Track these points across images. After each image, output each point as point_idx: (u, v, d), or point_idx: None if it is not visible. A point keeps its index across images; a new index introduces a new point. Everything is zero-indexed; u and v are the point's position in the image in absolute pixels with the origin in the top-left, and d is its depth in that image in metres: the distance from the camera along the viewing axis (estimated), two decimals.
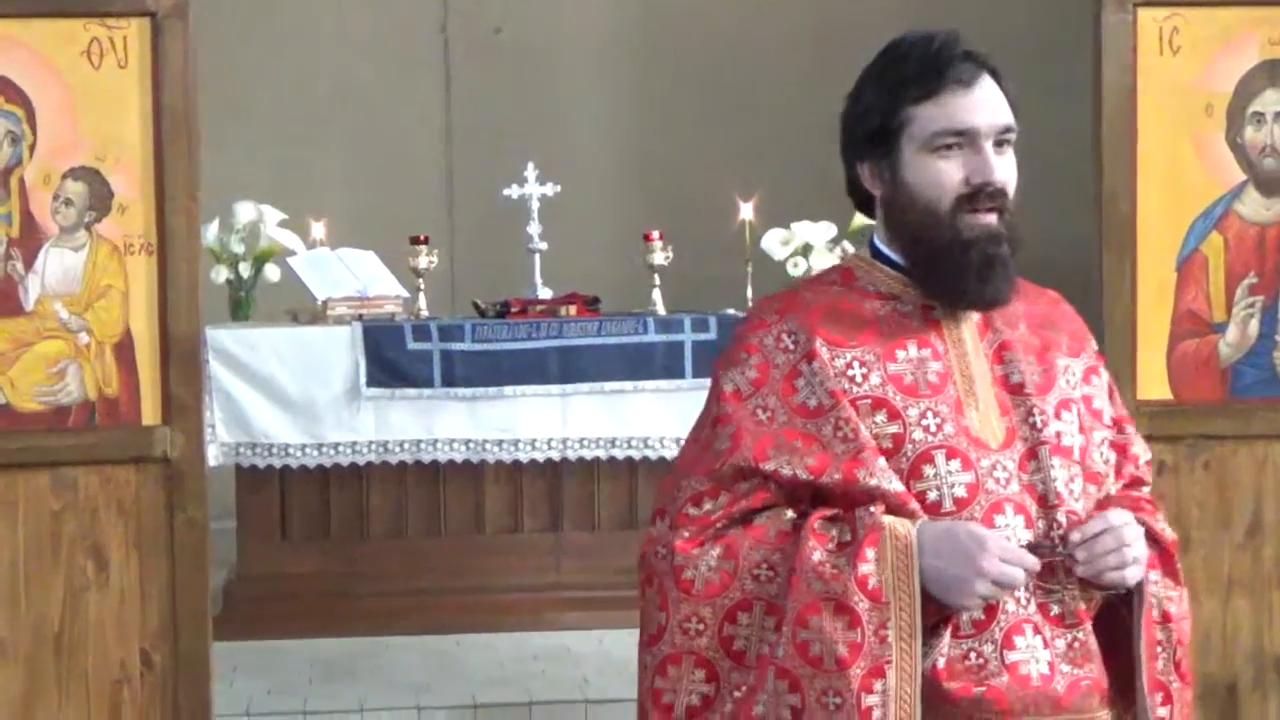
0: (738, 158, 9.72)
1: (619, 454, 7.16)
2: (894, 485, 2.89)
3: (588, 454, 7.16)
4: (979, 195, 2.94)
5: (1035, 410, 2.97)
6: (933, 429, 2.93)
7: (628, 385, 7.11)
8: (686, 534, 2.95)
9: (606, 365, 7.13)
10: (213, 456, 6.80)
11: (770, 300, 3.13)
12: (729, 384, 3.02)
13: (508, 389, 7.09)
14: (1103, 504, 3.01)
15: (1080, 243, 4.81)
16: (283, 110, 10.08)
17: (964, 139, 2.95)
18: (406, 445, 7.11)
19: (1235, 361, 4.63)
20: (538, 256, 7.78)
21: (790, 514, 2.93)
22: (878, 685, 2.82)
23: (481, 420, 7.12)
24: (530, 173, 7.93)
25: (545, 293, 7.64)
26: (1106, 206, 4.58)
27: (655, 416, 7.11)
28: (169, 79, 4.50)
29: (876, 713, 2.82)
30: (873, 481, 2.89)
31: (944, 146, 2.95)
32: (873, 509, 2.88)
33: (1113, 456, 3.09)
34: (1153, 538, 3.03)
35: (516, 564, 7.27)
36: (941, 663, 2.87)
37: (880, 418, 2.93)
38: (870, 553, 2.84)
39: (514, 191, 7.95)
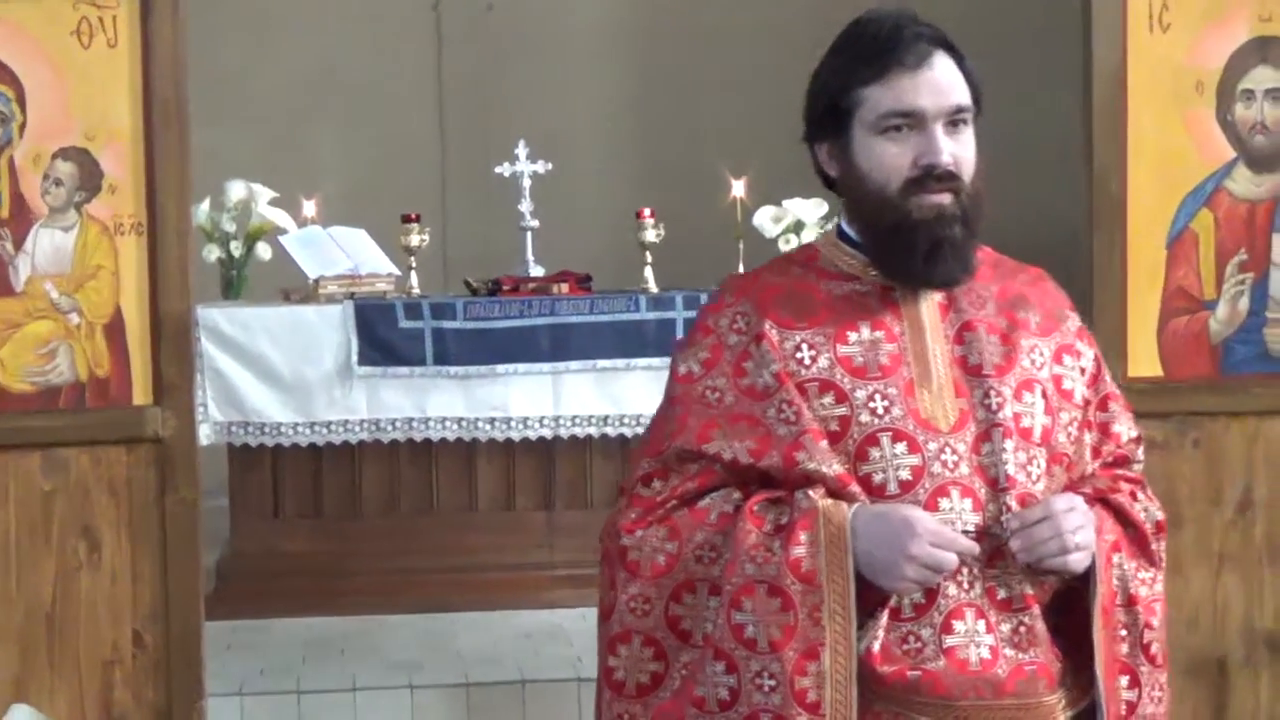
0: (729, 135, 9.71)
1: (611, 432, 7.16)
2: (834, 468, 2.89)
3: (580, 432, 7.17)
4: (927, 177, 2.92)
5: (992, 392, 2.95)
6: (880, 411, 2.92)
7: (620, 363, 7.12)
8: (634, 515, 2.98)
9: (599, 343, 7.13)
10: (205, 435, 6.81)
11: (731, 281, 3.15)
12: (683, 365, 3.04)
13: (500, 367, 7.10)
14: (1074, 485, 3.00)
15: (1071, 221, 4.81)
16: (274, 88, 10.07)
17: (912, 120, 2.93)
18: (399, 424, 7.11)
19: (1226, 338, 4.63)
20: (530, 234, 7.78)
21: (737, 495, 2.94)
22: (811, 667, 2.83)
23: (474, 398, 7.12)
24: (522, 150, 7.92)
25: (537, 270, 7.64)
26: (1097, 185, 4.58)
27: (647, 394, 7.09)
28: (159, 58, 4.49)
29: (810, 695, 2.83)
30: (812, 465, 2.89)
31: (892, 128, 2.94)
32: (810, 492, 2.88)
33: (1089, 437, 3.07)
34: (1126, 519, 3.03)
35: (509, 542, 7.27)
36: (877, 646, 2.87)
37: (828, 400, 2.93)
38: (803, 536, 2.85)
39: (506, 169, 7.94)
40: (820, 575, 2.84)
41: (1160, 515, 3.11)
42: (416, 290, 7.44)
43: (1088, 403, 3.09)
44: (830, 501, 2.88)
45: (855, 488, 2.89)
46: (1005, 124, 10.06)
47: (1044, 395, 3.00)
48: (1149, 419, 4.56)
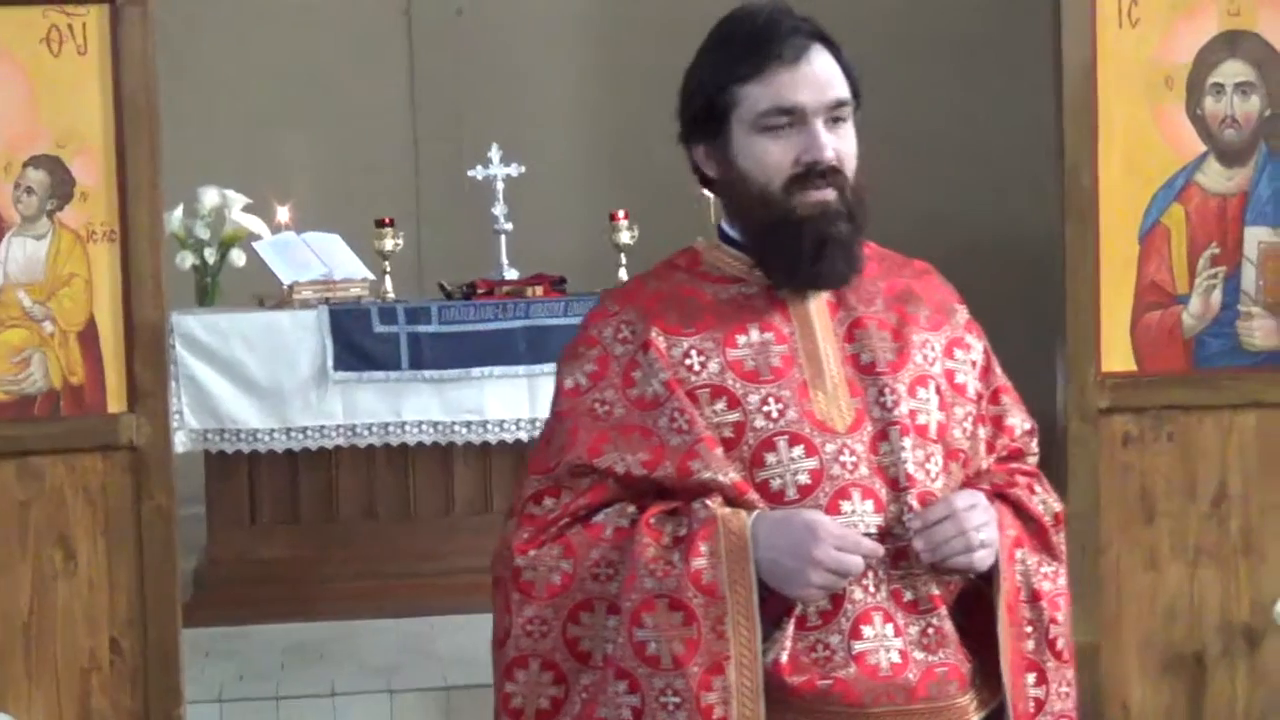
0: None
1: None
2: (730, 476, 2.81)
3: None
4: (810, 174, 2.85)
5: (886, 390, 2.89)
6: (774, 415, 2.84)
7: None
8: (526, 534, 2.87)
9: None
10: (180, 443, 6.80)
11: (612, 291, 3.09)
12: (569, 379, 2.94)
13: (475, 370, 7.09)
14: (971, 482, 2.95)
15: (1045, 216, 4.82)
16: (246, 94, 10.06)
17: (792, 117, 2.86)
18: (375, 428, 7.10)
19: (1198, 332, 4.64)
20: (503, 237, 7.77)
21: (632, 509, 2.85)
22: (717, 682, 2.76)
23: (450, 402, 7.12)
24: (495, 154, 7.91)
25: (511, 273, 7.63)
26: (1068, 180, 4.59)
27: None
28: (129, 65, 4.49)
29: (717, 710, 2.75)
30: (707, 474, 2.81)
31: (772, 126, 2.87)
32: (708, 502, 2.80)
33: (983, 431, 3.01)
34: (1026, 513, 2.98)
35: (487, 545, 7.04)
36: (785, 656, 2.80)
37: (720, 406, 2.85)
38: (704, 547, 2.77)
39: (479, 173, 7.93)
40: (722, 586, 2.76)
41: (1059, 507, 3.06)
42: (391, 295, 7.43)
43: (980, 396, 3.03)
44: (729, 510, 2.80)
45: (753, 495, 2.82)
46: (977, 120, 10.09)
47: (938, 391, 2.94)
48: (1123, 413, 4.60)
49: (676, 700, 2.75)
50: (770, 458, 2.84)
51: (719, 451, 2.83)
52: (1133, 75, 4.59)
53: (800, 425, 2.84)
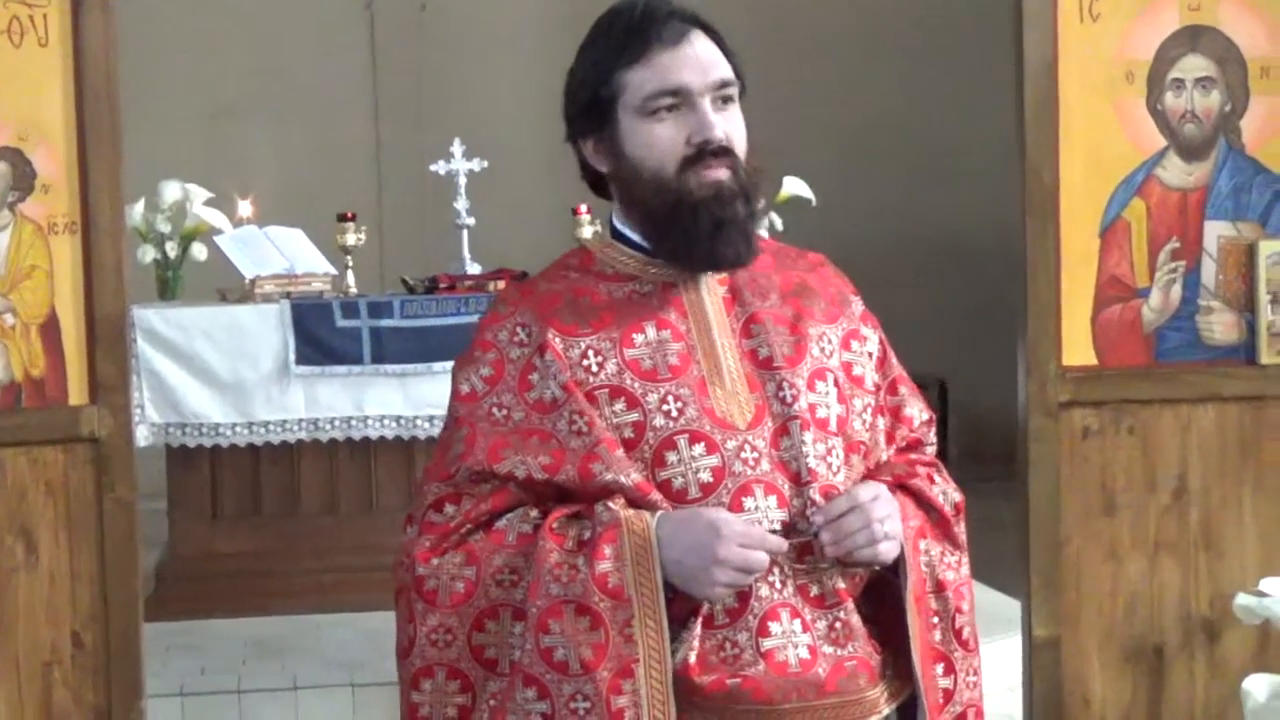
0: None
1: None
2: (632, 477, 2.79)
3: None
4: (703, 154, 2.83)
5: (785, 384, 2.87)
6: (674, 414, 2.82)
7: None
8: (428, 542, 2.84)
9: None
10: (142, 437, 6.79)
11: (507, 292, 3.06)
12: (465, 384, 2.91)
13: (437, 365, 7.10)
14: (871, 473, 2.95)
15: (1006, 210, 4.84)
16: (208, 88, 10.05)
17: (679, 98, 2.85)
18: (337, 422, 7.11)
19: (1159, 326, 4.65)
20: (466, 232, 7.78)
21: (535, 514, 2.83)
22: (626, 685, 2.73)
23: (412, 396, 7.13)
24: (457, 148, 7.92)
25: (474, 268, 7.65)
26: (1029, 175, 4.60)
27: None
28: (90, 57, 4.47)
29: (628, 714, 2.73)
30: (609, 475, 2.79)
31: (660, 109, 2.85)
32: (610, 504, 2.78)
33: (882, 422, 3.01)
34: (927, 503, 2.99)
35: None
36: (693, 657, 2.78)
37: (619, 406, 2.83)
38: (608, 550, 2.75)
39: (441, 167, 7.94)
40: (629, 589, 2.74)
41: (958, 497, 3.05)
42: (353, 289, 7.44)
43: (878, 388, 3.02)
44: (632, 512, 2.78)
45: (656, 495, 2.80)
46: (944, 114, 10.11)
47: (836, 384, 2.93)
48: (1083, 407, 4.61)
49: (586, 705, 2.73)
50: (671, 456, 2.82)
51: (620, 453, 2.81)
52: (1094, 70, 4.60)
53: (700, 423, 2.83)
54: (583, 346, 2.86)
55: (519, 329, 2.90)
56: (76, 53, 4.47)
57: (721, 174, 2.84)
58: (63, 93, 4.47)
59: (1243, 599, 4.47)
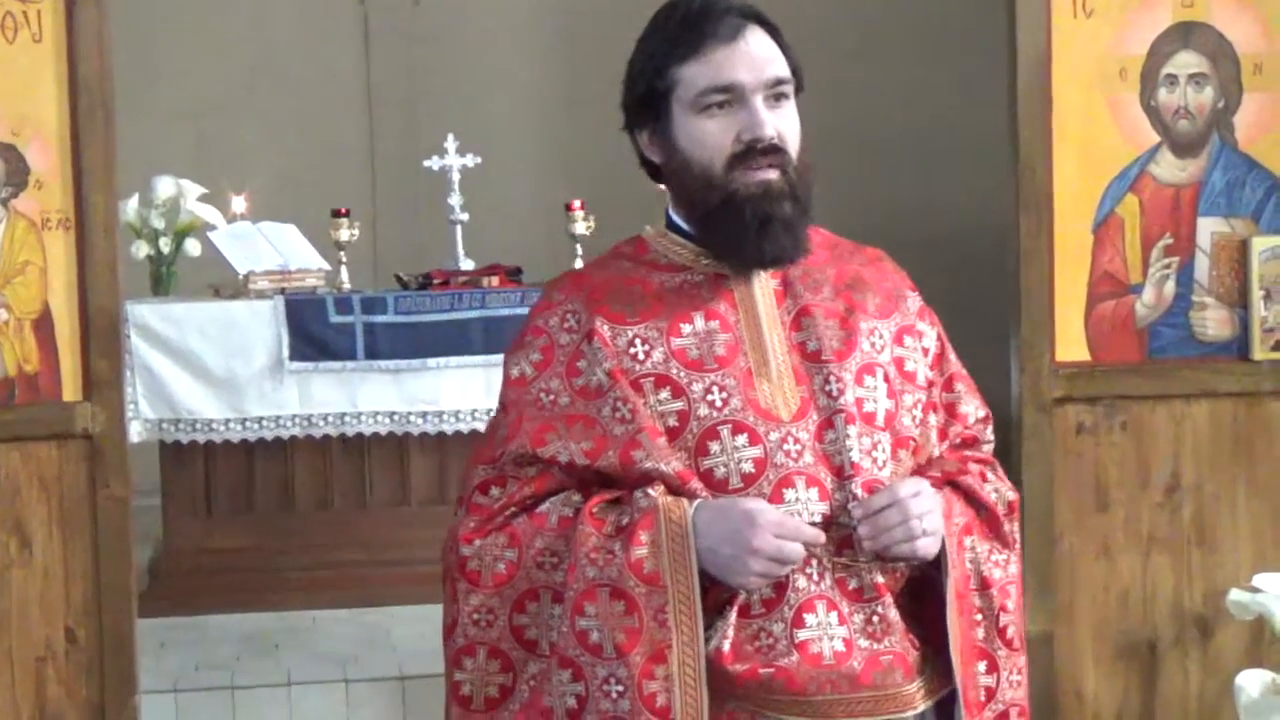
0: None
1: None
2: (672, 466, 2.81)
3: None
4: (752, 152, 2.85)
5: (832, 377, 2.87)
6: (718, 404, 2.84)
7: None
8: (472, 524, 2.87)
9: None
10: (136, 432, 6.79)
11: (559, 280, 3.06)
12: (515, 369, 2.94)
13: (431, 360, 7.10)
14: (922, 469, 2.95)
15: (1000, 206, 4.84)
16: (202, 84, 10.04)
17: (731, 95, 2.85)
18: (330, 418, 7.11)
19: (1152, 322, 4.66)
20: (459, 228, 7.78)
21: (577, 498, 2.85)
22: (659, 671, 2.75)
23: (405, 392, 7.13)
24: (451, 144, 7.92)
25: (467, 264, 7.64)
26: (1022, 170, 4.60)
27: None
28: (84, 53, 4.47)
29: (660, 699, 2.74)
30: (649, 463, 2.81)
31: (712, 105, 2.86)
32: (650, 491, 2.80)
33: (934, 418, 3.01)
34: (977, 501, 2.98)
35: (442, 535, 7.18)
36: (727, 645, 2.79)
37: (664, 395, 2.84)
38: (644, 536, 2.76)
39: (435, 163, 7.94)
40: (664, 575, 2.76)
41: (1012, 496, 3.05)
42: (347, 285, 7.43)
43: (931, 384, 3.02)
44: (670, 499, 2.79)
45: (696, 484, 2.81)
46: (935, 110, 10.11)
47: (886, 379, 2.93)
48: (1077, 402, 4.62)
49: (619, 689, 2.75)
50: (714, 446, 2.83)
51: (661, 441, 2.82)
52: (1087, 66, 4.61)
53: (744, 414, 2.84)
54: (630, 335, 2.88)
55: (569, 316, 2.92)
56: (70, 49, 4.47)
57: (770, 173, 2.85)
58: (56, 88, 4.48)
59: (1236, 594, 4.48)
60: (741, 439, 2.83)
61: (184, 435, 7.04)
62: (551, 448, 2.85)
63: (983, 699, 2.96)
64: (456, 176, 7.85)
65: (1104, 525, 4.66)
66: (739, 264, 2.91)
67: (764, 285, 2.94)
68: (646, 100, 2.93)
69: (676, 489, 2.81)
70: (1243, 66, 4.64)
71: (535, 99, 10.47)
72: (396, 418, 7.14)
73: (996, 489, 3.04)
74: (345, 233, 7.52)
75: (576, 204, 7.56)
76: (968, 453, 3.06)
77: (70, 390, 4.51)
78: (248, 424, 7.06)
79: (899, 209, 9.63)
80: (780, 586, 2.80)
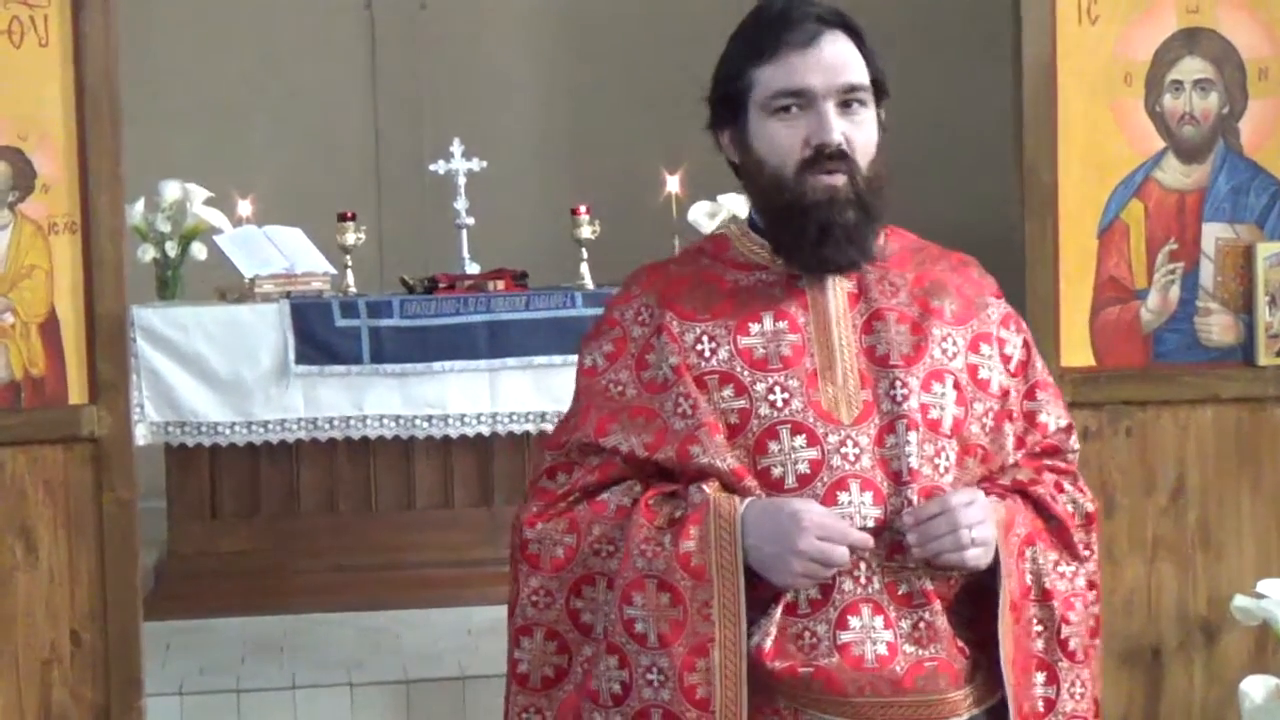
0: (663, 131, 9.68)
1: (549, 427, 7.16)
2: (727, 462, 2.85)
3: (518, 428, 7.18)
4: (820, 157, 2.88)
5: (898, 382, 2.89)
6: (779, 404, 2.87)
7: (556, 359, 7.12)
8: (535, 508, 2.95)
9: (535, 340, 7.14)
10: (142, 436, 6.79)
11: (638, 272, 3.10)
12: (588, 358, 3.01)
13: (437, 364, 7.10)
14: (991, 477, 2.95)
15: (1005, 211, 4.84)
16: (208, 88, 10.04)
17: (802, 100, 2.89)
18: (336, 422, 7.11)
19: (1157, 327, 4.66)
20: (465, 232, 7.79)
21: (638, 488, 2.90)
22: (700, 663, 2.79)
23: (411, 396, 7.13)
24: (456, 148, 7.92)
25: (473, 268, 7.64)
26: (1028, 175, 4.61)
27: None
28: (91, 57, 4.48)
29: (700, 691, 2.79)
30: (705, 459, 2.85)
31: (783, 108, 2.90)
32: (704, 486, 2.84)
33: (1009, 427, 3.00)
34: (1047, 512, 2.99)
35: (448, 539, 7.27)
36: (768, 643, 2.82)
37: (727, 392, 2.88)
38: (694, 530, 2.81)
39: (441, 167, 7.95)
40: (710, 570, 2.80)
41: (1091, 507, 3.06)
42: (353, 289, 7.43)
43: (1006, 392, 3.01)
44: (723, 495, 2.83)
45: (750, 481, 2.85)
46: (938, 113, 10.11)
47: (956, 385, 2.93)
48: (1082, 408, 4.61)
49: (660, 678, 2.81)
50: (773, 445, 2.86)
51: (719, 438, 2.86)
52: (1092, 72, 4.61)
53: (804, 415, 2.87)
54: (698, 331, 2.93)
55: (643, 309, 2.98)
56: (76, 53, 4.48)
57: (837, 179, 2.88)
58: (62, 92, 4.48)
59: (1240, 600, 4.48)
60: (800, 440, 2.86)
61: (189, 438, 7.04)
62: (613, 438, 2.92)
63: (1040, 709, 2.97)
64: (462, 181, 7.85)
65: (1108, 530, 4.65)
66: (800, 267, 2.95)
67: (837, 287, 2.97)
68: (726, 101, 2.98)
69: (731, 485, 2.85)
70: (1248, 72, 4.64)
71: (542, 103, 10.47)
72: (402, 421, 7.14)
73: (1074, 500, 3.05)
74: (351, 236, 7.52)
75: (582, 209, 7.55)
76: (1048, 462, 3.07)
77: (76, 394, 4.51)
78: (253, 427, 7.06)
79: (901, 213, 9.62)
80: (827, 588, 2.83)
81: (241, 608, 6.99)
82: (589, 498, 2.93)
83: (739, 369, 2.90)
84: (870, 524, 2.83)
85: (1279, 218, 4.66)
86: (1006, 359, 3.04)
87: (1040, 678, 2.97)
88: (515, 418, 7.15)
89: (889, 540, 2.84)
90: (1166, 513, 4.70)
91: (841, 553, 2.79)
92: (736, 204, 7.52)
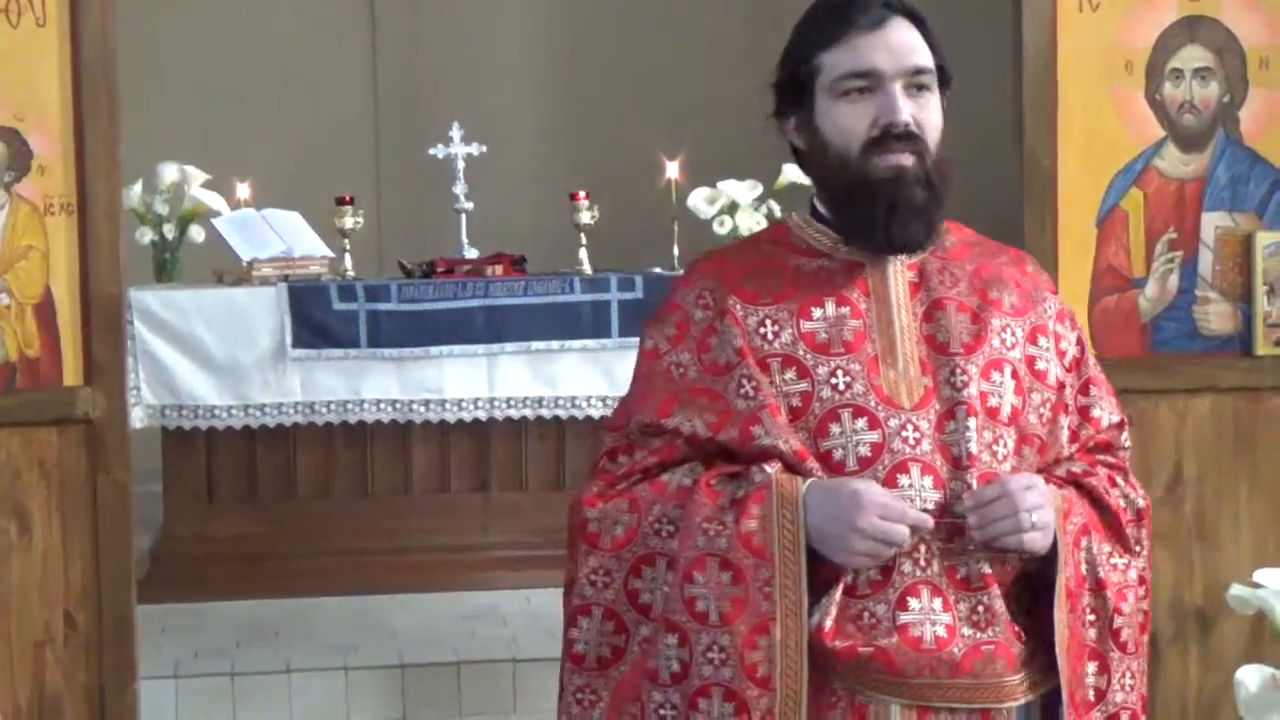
0: (663, 116, 9.72)
1: (546, 413, 7.17)
2: (790, 444, 2.87)
3: (515, 414, 7.17)
4: (887, 138, 2.90)
5: (958, 370, 2.92)
6: (841, 387, 2.90)
7: (554, 344, 7.12)
8: (596, 488, 2.98)
9: (533, 325, 7.14)
10: (138, 418, 6.79)
11: (703, 257, 3.14)
12: (649, 341, 3.04)
13: (434, 349, 7.10)
14: (1047, 467, 2.98)
15: (1004, 199, 4.83)
16: (208, 70, 10.04)
17: (870, 81, 2.92)
18: (333, 406, 7.10)
19: (1155, 316, 4.66)
20: (464, 216, 7.78)
21: (700, 469, 2.93)
22: (762, 641, 2.82)
23: (408, 380, 7.12)
24: (456, 132, 7.91)
25: (471, 252, 7.64)
26: (1028, 163, 4.60)
27: (582, 376, 7.12)
28: (88, 38, 4.47)
29: (761, 669, 2.81)
30: (768, 440, 2.88)
31: (852, 90, 2.92)
32: (766, 466, 2.87)
33: (1065, 420, 3.04)
34: (1100, 503, 3.01)
35: (444, 524, 7.27)
36: (829, 623, 2.85)
37: (790, 375, 2.91)
38: (756, 509, 2.84)
39: (440, 151, 7.94)
40: (771, 549, 2.83)
41: (1142, 503, 3.08)
42: (350, 272, 7.43)
43: (1062, 385, 3.05)
44: (785, 475, 2.86)
45: (812, 463, 2.87)
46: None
47: (1014, 375, 2.97)
48: None
49: (722, 656, 2.83)
50: (834, 428, 2.90)
51: (782, 419, 2.89)
52: (1092, 60, 4.60)
53: (866, 398, 2.90)
54: (761, 315, 2.96)
55: (705, 293, 3.01)
56: (74, 33, 4.47)
57: (905, 159, 2.91)
58: (60, 73, 4.48)
59: (1237, 589, 4.47)
60: (861, 423, 2.89)
61: (186, 422, 7.04)
62: (675, 419, 2.95)
63: (1091, 699, 3.00)
64: (461, 165, 7.85)
65: None
66: (869, 247, 2.97)
67: (899, 275, 3.00)
68: (791, 86, 3.00)
69: (793, 466, 2.88)
70: (1249, 61, 4.63)
71: (540, 88, 10.46)
72: (399, 406, 7.13)
73: (1126, 495, 3.08)
74: (349, 220, 7.52)
75: (581, 194, 7.54)
76: (1100, 457, 3.10)
77: (71, 375, 4.50)
78: (250, 411, 7.05)
79: None
80: (887, 570, 2.86)
81: (237, 591, 6.99)
82: (649, 478, 2.96)
83: (802, 352, 2.93)
84: (930, 507, 2.87)
85: (1278, 207, 4.65)
86: (1061, 353, 3.07)
87: (1092, 667, 3.00)
88: (513, 403, 7.15)
89: (948, 524, 2.87)
90: (1164, 502, 4.68)
91: (902, 531, 2.82)
92: (736, 191, 7.52)
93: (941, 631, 2.86)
